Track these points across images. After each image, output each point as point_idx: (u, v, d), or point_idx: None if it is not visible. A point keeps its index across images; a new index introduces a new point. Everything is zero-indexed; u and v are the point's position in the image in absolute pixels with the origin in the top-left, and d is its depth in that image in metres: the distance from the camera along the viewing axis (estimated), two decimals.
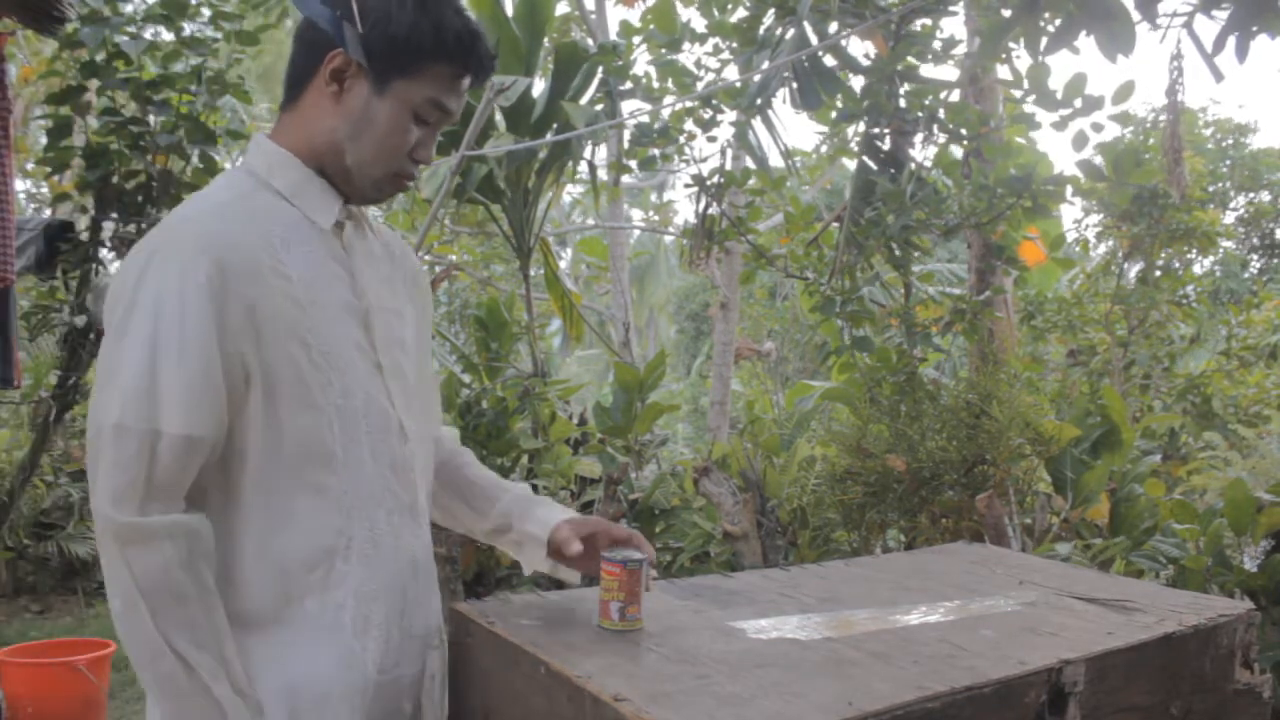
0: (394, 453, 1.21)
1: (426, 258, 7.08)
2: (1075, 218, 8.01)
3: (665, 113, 4.60)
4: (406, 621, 1.22)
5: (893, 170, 4.19)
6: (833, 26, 3.81)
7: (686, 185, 4.64)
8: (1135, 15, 2.62)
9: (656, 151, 4.57)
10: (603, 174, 5.80)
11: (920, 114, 4.14)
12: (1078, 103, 3.65)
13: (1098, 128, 3.68)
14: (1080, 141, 3.72)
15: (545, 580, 5.30)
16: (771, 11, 4.07)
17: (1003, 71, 4.36)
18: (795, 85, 3.83)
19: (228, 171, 1.28)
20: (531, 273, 5.90)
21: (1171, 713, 1.23)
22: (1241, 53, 2.55)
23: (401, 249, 1.35)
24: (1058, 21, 2.86)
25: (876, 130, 4.23)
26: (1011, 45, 3.63)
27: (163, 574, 1.04)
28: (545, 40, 5.85)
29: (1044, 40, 2.99)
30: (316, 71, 1.17)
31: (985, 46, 3.33)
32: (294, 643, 1.14)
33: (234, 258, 1.09)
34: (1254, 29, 2.53)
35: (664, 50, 4.60)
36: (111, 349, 1.07)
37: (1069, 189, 4.01)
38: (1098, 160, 3.90)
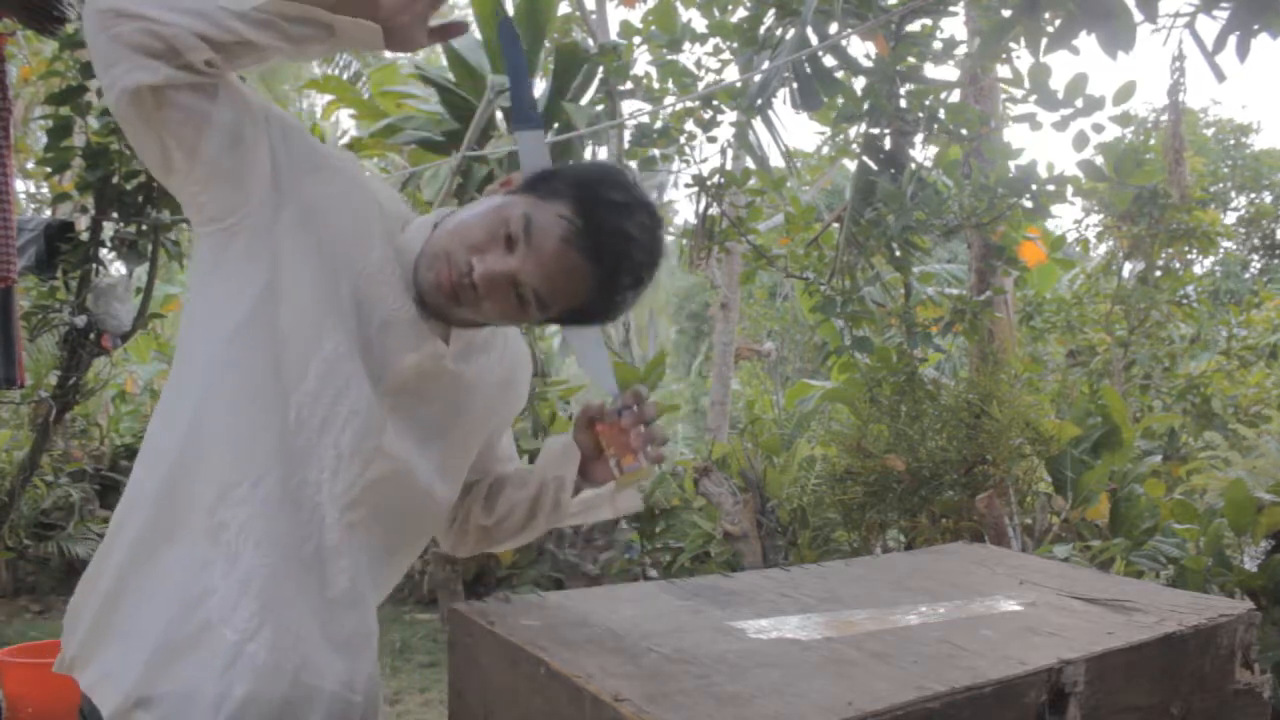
0: (349, 442, 1.06)
1: None
2: (1075, 218, 8.00)
3: (665, 113, 4.60)
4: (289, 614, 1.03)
5: (893, 170, 4.19)
6: (833, 27, 3.81)
7: (687, 185, 4.64)
8: (1137, 15, 2.62)
9: (657, 152, 4.57)
10: None
11: (920, 114, 4.14)
12: (1079, 103, 3.64)
13: (1098, 128, 3.68)
14: (1081, 142, 3.72)
15: (545, 581, 5.31)
16: (772, 11, 4.07)
17: (1003, 71, 4.36)
18: (795, 85, 3.84)
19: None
20: None
21: (1171, 713, 1.23)
22: (1242, 52, 2.55)
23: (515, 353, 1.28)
24: (1058, 21, 2.86)
25: (877, 130, 4.23)
26: (1012, 45, 3.63)
27: None
28: (546, 41, 5.85)
29: (1044, 40, 2.99)
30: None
31: (985, 45, 3.33)
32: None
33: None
34: (1255, 28, 2.53)
35: (664, 50, 4.60)
36: None
37: (1069, 189, 4.01)
38: (1099, 160, 3.90)
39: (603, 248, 1.06)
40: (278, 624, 1.01)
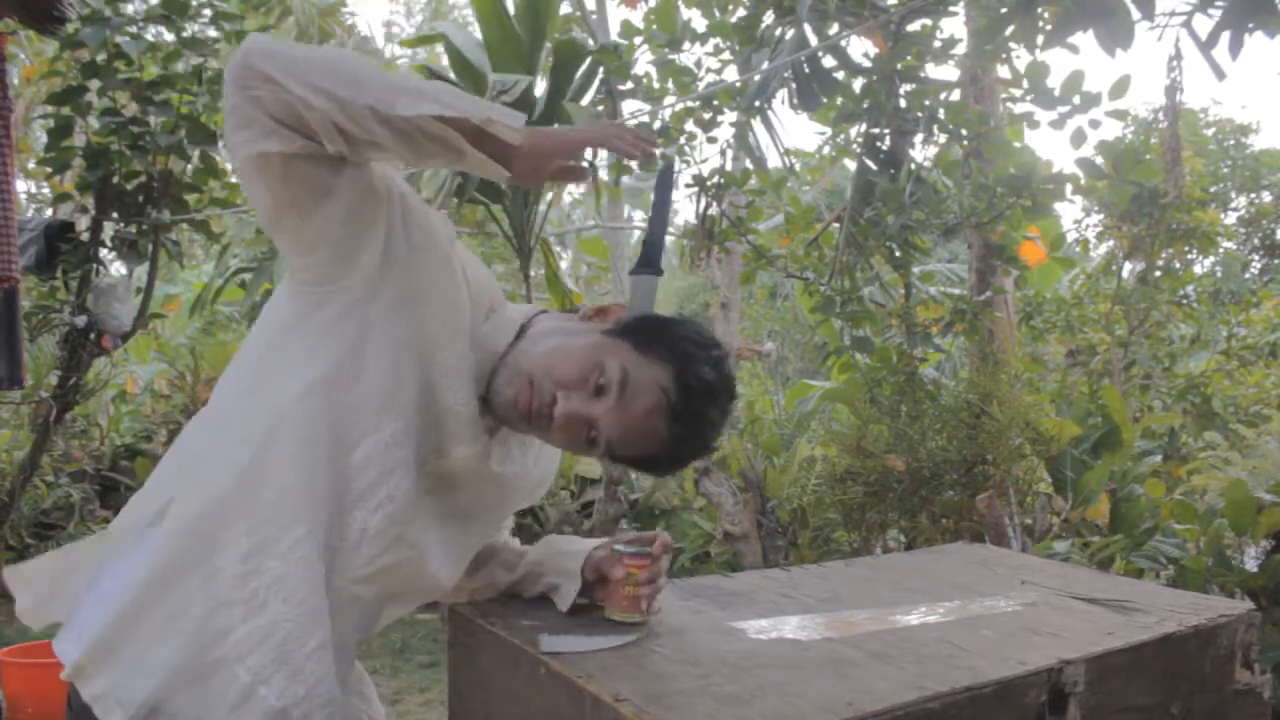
0: (376, 529, 1.10)
1: None
2: (1075, 218, 8.00)
3: (665, 113, 4.59)
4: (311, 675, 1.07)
5: (892, 170, 4.19)
6: (833, 28, 3.81)
7: (687, 185, 4.63)
8: (1135, 13, 2.61)
9: (657, 151, 4.55)
10: (603, 174, 5.81)
11: (920, 114, 4.14)
12: (1076, 100, 3.64)
13: (1095, 125, 3.66)
14: (1079, 139, 3.71)
15: None
16: (771, 11, 4.06)
17: (1003, 71, 4.36)
18: (794, 86, 3.83)
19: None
20: (532, 273, 5.90)
21: (1172, 713, 1.23)
22: (1235, 49, 2.55)
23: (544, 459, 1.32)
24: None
25: (876, 130, 4.22)
26: (1011, 46, 3.63)
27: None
28: (547, 41, 5.84)
29: (1040, 37, 2.99)
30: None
31: (981, 41, 3.32)
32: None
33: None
34: (1250, 26, 2.53)
35: (665, 50, 4.60)
36: None
37: (1069, 188, 4.00)
38: (1098, 159, 3.89)
39: (687, 428, 1.11)
40: (291, 673, 1.05)
